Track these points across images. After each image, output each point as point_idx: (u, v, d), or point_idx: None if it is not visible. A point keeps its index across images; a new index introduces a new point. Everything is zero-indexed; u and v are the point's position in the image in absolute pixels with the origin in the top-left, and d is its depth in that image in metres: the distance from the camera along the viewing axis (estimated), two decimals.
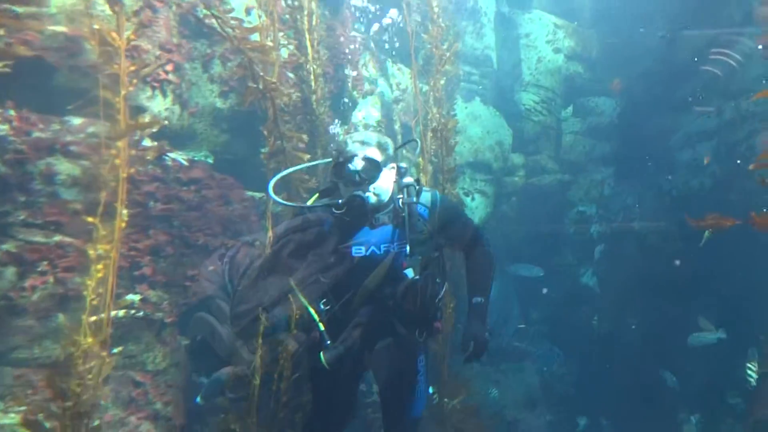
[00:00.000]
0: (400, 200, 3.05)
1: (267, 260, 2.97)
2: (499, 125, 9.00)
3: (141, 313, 4.39)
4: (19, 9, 3.90)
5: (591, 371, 8.48)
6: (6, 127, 3.94)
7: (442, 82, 6.03)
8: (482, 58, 8.88)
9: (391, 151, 3.09)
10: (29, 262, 3.79)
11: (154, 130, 4.42)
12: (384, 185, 3.02)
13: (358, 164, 2.92)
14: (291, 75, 5.37)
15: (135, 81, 3.49)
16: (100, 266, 3.18)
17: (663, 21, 8.77)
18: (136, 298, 4.47)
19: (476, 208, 8.30)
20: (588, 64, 9.81)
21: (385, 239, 3.01)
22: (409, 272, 2.95)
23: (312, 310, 2.93)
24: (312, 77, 5.26)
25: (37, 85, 4.24)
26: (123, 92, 3.43)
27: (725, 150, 8.66)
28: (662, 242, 8.77)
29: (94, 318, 3.14)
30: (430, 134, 5.83)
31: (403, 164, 3.21)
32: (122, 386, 4.32)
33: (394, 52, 7.25)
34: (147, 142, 4.80)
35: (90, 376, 3.07)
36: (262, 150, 4.83)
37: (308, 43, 5.19)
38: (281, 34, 5.03)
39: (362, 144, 3.00)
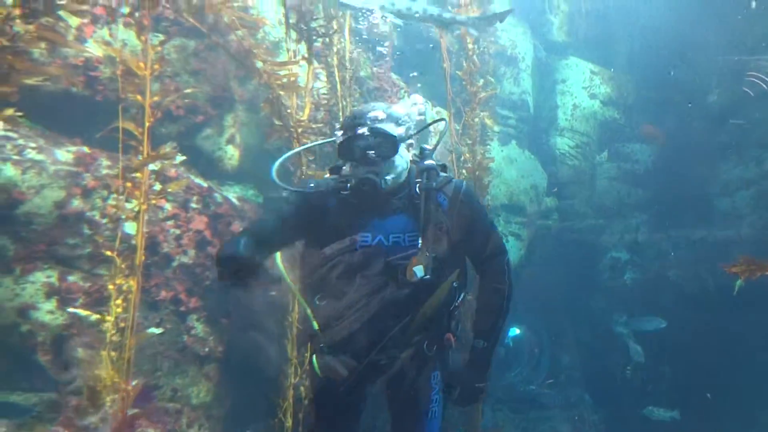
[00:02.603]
0: (418, 185, 2.69)
1: (315, 283, 2.65)
2: (534, 169, 9.23)
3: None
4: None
5: (623, 420, 8.46)
6: (78, 163, 4.28)
7: (476, 120, 6.27)
8: (519, 102, 9.18)
9: (412, 126, 2.74)
10: (93, 293, 4.07)
11: (176, 161, 4.61)
12: (400, 165, 2.66)
13: (369, 140, 2.55)
14: (321, 114, 5.48)
15: (159, 113, 3.61)
16: (119, 301, 3.26)
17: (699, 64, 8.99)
18: (158, 331, 4.62)
19: (510, 250, 8.43)
20: (624, 109, 10.04)
21: (395, 228, 2.64)
22: (419, 270, 2.56)
23: (306, 306, 2.63)
24: (341, 114, 5.18)
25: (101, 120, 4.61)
26: (147, 123, 3.41)
27: (765, 199, 8.77)
28: (699, 292, 8.80)
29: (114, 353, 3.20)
30: (464, 173, 6.02)
31: (427, 145, 2.87)
32: (168, 418, 4.54)
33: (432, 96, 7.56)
34: (199, 180, 5.14)
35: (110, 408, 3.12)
36: None
37: (337, 80, 5.14)
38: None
39: (376, 117, 2.62)
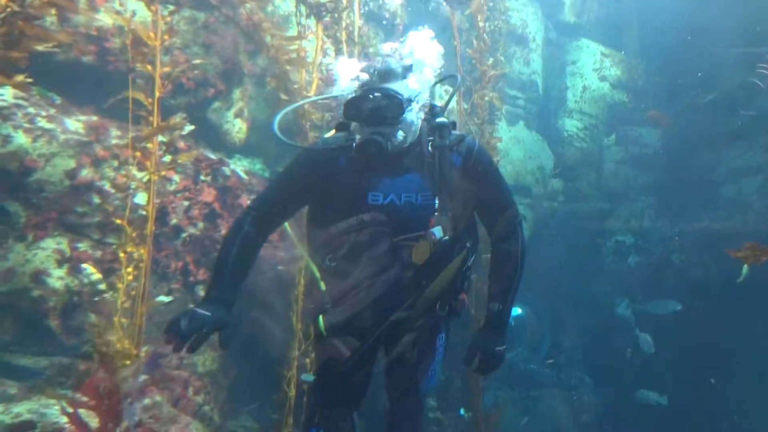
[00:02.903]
0: (430, 143, 2.62)
1: (324, 244, 2.61)
2: (541, 150, 9.24)
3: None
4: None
5: (622, 402, 8.58)
6: (87, 132, 4.33)
7: (486, 99, 6.27)
8: (528, 83, 9.16)
9: (423, 83, 2.63)
10: (104, 261, 4.15)
11: (184, 132, 4.64)
12: (408, 125, 2.56)
13: (376, 101, 2.45)
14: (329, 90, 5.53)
15: (167, 83, 3.63)
16: (130, 269, 3.29)
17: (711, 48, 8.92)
18: (167, 299, 4.69)
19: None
20: (633, 93, 10.01)
21: (407, 187, 2.57)
22: (437, 231, 2.51)
23: (314, 268, 2.61)
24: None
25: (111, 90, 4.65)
26: (157, 94, 3.42)
27: None
28: (702, 278, 8.86)
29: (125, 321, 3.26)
30: None
31: (438, 103, 2.79)
32: (175, 385, 4.64)
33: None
34: (208, 153, 5.20)
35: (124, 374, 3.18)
36: None
37: (345, 55, 5.06)
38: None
39: (384, 73, 2.53)
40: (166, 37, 3.23)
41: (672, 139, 9.62)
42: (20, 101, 3.96)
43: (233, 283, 2.58)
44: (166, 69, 3.24)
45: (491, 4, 6.62)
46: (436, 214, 2.53)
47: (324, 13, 4.77)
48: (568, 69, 9.74)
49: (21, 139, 3.91)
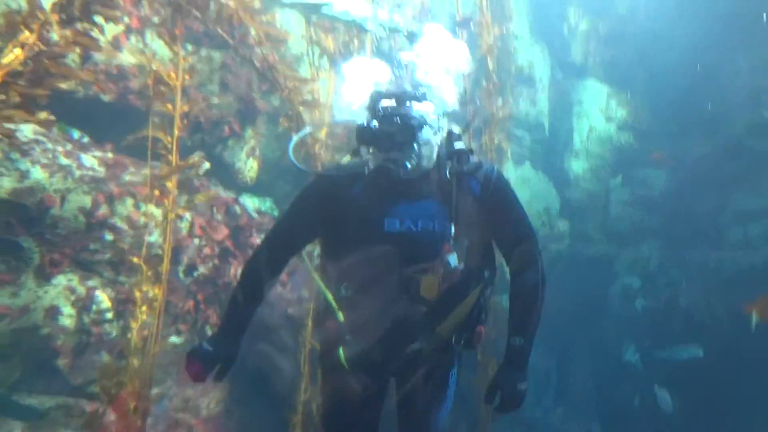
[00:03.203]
0: (448, 169, 2.56)
1: (339, 273, 2.57)
2: (547, 191, 9.29)
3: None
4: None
5: None
6: (103, 169, 4.37)
7: (495, 140, 6.35)
8: (535, 123, 9.27)
9: (441, 106, 2.59)
10: (115, 300, 4.13)
11: (201, 173, 4.69)
12: (424, 150, 2.49)
13: (389, 126, 2.40)
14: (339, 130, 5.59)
15: (186, 122, 3.69)
16: (144, 308, 3.31)
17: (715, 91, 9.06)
18: (179, 340, 4.70)
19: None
20: (640, 134, 10.10)
21: (424, 214, 2.50)
22: (453, 259, 2.44)
23: (330, 298, 2.55)
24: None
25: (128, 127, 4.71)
26: (177, 133, 3.47)
27: None
28: (710, 321, 8.81)
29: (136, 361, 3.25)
30: None
31: (456, 129, 2.73)
32: (180, 430, 4.57)
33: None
34: (219, 189, 5.23)
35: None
36: None
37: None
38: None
39: (398, 97, 2.48)
40: (186, 76, 3.29)
41: (678, 180, 9.68)
42: (39, 137, 4.01)
43: (244, 317, 2.61)
44: (185, 108, 3.28)
45: (500, 44, 6.75)
46: (452, 241, 2.47)
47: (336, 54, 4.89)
48: (574, 110, 9.86)
49: (38, 174, 3.94)
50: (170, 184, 3.26)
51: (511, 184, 2.71)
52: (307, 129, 3.39)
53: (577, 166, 9.72)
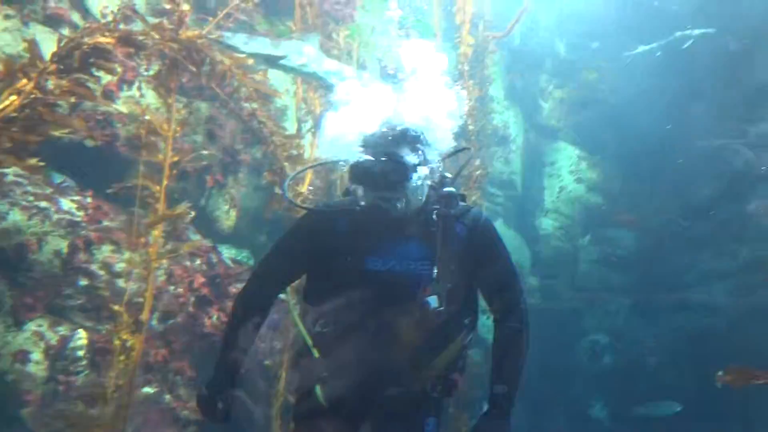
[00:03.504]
0: (435, 212, 2.55)
1: (318, 310, 2.55)
2: (519, 247, 9.49)
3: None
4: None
5: None
6: (82, 213, 4.37)
7: (471, 197, 6.51)
8: (508, 182, 9.54)
9: (432, 150, 2.57)
10: (88, 347, 4.06)
11: (186, 221, 4.70)
12: (415, 191, 2.49)
13: (382, 166, 2.41)
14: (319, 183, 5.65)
15: (175, 172, 3.77)
16: (122, 357, 3.27)
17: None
18: (152, 390, 4.61)
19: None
20: (608, 196, 10.42)
21: (408, 255, 2.49)
22: (432, 300, 2.42)
23: (305, 333, 2.53)
24: (339, 185, 5.23)
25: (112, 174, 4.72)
26: (165, 182, 3.54)
27: (741, 292, 9.11)
28: (676, 380, 8.97)
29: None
30: None
31: (448, 174, 2.71)
32: None
33: None
34: (196, 236, 5.24)
35: None
36: None
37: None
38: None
39: (391, 139, 2.47)
40: (177, 128, 3.36)
41: (646, 241, 9.97)
42: (20, 179, 4.01)
43: (237, 356, 2.59)
44: (175, 159, 3.35)
45: (479, 105, 7.02)
46: (433, 283, 2.43)
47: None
48: (546, 170, 10.18)
49: (16, 216, 3.92)
50: (156, 233, 3.29)
51: (497, 231, 2.72)
52: (303, 167, 3.36)
53: (548, 224, 9.97)
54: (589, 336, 9.98)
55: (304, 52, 5.04)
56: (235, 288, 5.07)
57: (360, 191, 2.52)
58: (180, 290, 4.52)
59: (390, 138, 2.47)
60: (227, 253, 5.60)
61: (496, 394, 2.50)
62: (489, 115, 8.04)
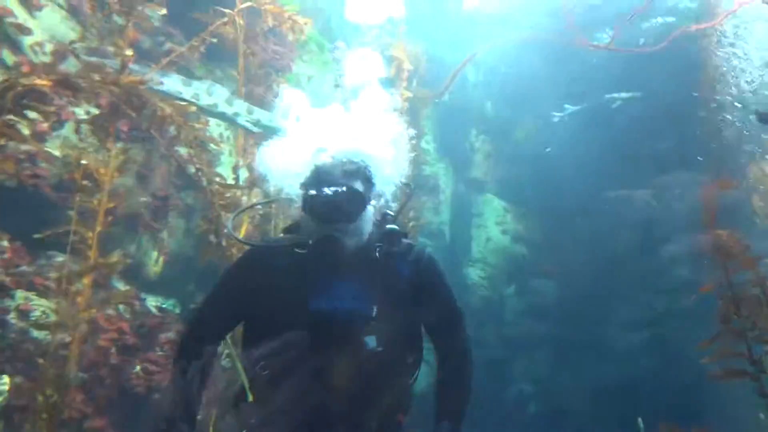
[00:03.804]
0: (378, 250, 2.48)
1: (257, 352, 2.42)
2: None
3: None
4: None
5: None
6: None
7: None
8: (437, 232, 9.78)
9: (376, 187, 2.53)
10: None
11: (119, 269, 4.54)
12: (364, 227, 2.46)
13: (336, 197, 2.35)
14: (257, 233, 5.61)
15: (111, 218, 3.67)
16: (45, 415, 3.04)
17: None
18: None
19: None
20: (532, 247, 10.84)
21: (350, 294, 2.41)
22: (371, 341, 2.36)
23: (244, 377, 2.42)
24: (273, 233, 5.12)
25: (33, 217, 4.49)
26: (98, 228, 3.42)
27: (657, 343, 9.62)
28: (600, 427, 9.23)
29: None
30: None
31: (390, 211, 2.65)
32: None
33: None
34: (120, 284, 5.04)
35: None
36: None
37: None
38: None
39: (343, 171, 2.42)
40: (115, 173, 3.28)
41: (567, 292, 10.38)
42: None
43: (190, 407, 2.40)
44: (111, 205, 3.25)
45: (412, 157, 7.21)
46: (373, 323, 2.38)
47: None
48: (474, 221, 10.52)
49: None
50: (86, 281, 3.15)
51: (442, 269, 2.65)
52: (249, 204, 3.23)
53: (475, 274, 10.24)
54: (515, 385, 10.18)
55: (214, 92, 5.10)
56: (165, 337, 4.92)
57: (311, 224, 2.44)
58: (103, 342, 4.31)
59: (344, 169, 2.42)
60: (153, 301, 5.41)
61: (441, 430, 2.43)
62: (421, 166, 8.29)
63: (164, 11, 3.73)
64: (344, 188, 2.37)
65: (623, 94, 9.67)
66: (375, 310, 2.40)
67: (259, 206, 3.91)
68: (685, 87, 8.72)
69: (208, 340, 2.54)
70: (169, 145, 3.83)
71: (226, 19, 4.16)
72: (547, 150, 9.90)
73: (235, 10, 4.20)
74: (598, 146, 9.71)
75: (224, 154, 5.91)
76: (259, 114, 5.23)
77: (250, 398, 2.39)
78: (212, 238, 4.41)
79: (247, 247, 2.86)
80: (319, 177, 2.42)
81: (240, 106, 5.18)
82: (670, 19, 9.71)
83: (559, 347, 10.24)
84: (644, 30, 9.63)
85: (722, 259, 3.37)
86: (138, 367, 4.67)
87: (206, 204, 4.54)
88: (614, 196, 9.90)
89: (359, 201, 2.41)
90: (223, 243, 4.30)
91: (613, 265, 9.90)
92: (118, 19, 3.33)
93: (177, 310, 5.65)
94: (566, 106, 9.97)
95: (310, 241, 2.40)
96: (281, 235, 2.70)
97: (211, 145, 5.86)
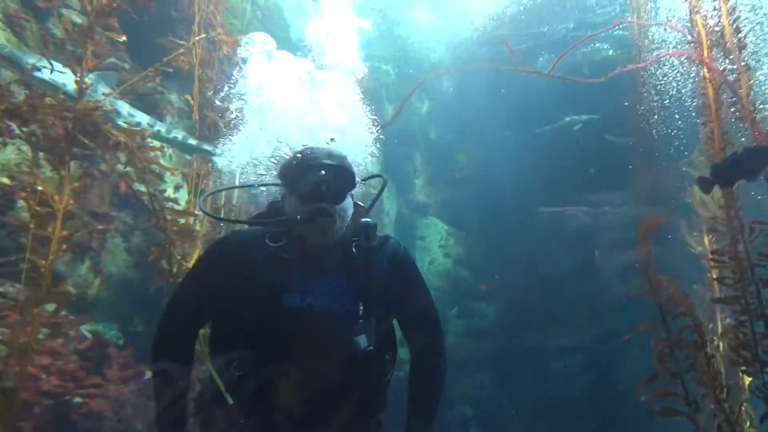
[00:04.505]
0: (355, 244, 2.40)
1: (230, 351, 2.32)
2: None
3: None
4: None
5: None
6: None
7: None
8: None
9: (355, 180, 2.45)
10: None
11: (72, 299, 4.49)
12: (347, 213, 2.38)
13: (328, 174, 2.29)
14: None
15: (65, 246, 3.65)
16: None
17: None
18: None
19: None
20: (473, 269, 11.15)
21: (329, 290, 2.33)
22: (362, 340, 2.28)
23: (217, 378, 2.29)
24: None
25: None
26: (51, 257, 3.39)
27: (592, 364, 10.10)
28: None
29: None
30: None
31: (361, 203, 2.58)
32: None
33: None
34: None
35: None
36: None
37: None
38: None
39: (329, 154, 2.38)
40: (71, 201, 3.25)
41: (507, 314, 10.74)
42: None
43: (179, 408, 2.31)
44: (65, 233, 3.22)
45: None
46: (361, 321, 2.29)
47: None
48: (417, 243, 10.73)
49: None
50: (36, 311, 3.10)
51: (415, 263, 2.61)
52: (224, 187, 3.04)
53: None
54: (456, 407, 10.40)
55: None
56: (107, 368, 4.85)
57: (295, 206, 2.34)
58: (45, 374, 4.21)
59: (330, 152, 2.40)
60: (93, 327, 5.31)
61: (413, 429, 2.40)
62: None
63: (124, 38, 3.73)
64: (337, 166, 2.33)
65: (584, 117, 10.25)
66: (361, 307, 2.32)
67: (236, 189, 3.77)
68: (617, 112, 9.36)
69: (182, 337, 2.39)
70: (121, 174, 3.81)
71: (182, 51, 4.21)
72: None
73: (191, 42, 4.27)
74: (534, 168, 10.23)
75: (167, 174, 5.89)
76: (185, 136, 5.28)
77: (230, 400, 2.25)
78: (164, 264, 4.40)
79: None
80: (308, 157, 2.37)
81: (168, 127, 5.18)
82: (605, 46, 10.44)
83: (499, 369, 10.55)
84: (583, 54, 10.29)
85: (659, 302, 3.44)
86: (79, 399, 4.58)
87: (158, 229, 4.53)
88: (550, 213, 10.44)
89: (350, 179, 2.35)
90: (174, 270, 4.33)
91: (551, 285, 10.31)
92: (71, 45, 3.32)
93: (120, 342, 5.53)
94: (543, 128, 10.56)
95: (299, 217, 2.28)
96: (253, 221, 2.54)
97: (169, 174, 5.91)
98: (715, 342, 5.19)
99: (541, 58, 10.27)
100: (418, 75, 10.45)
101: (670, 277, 3.41)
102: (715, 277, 4.35)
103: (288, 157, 2.45)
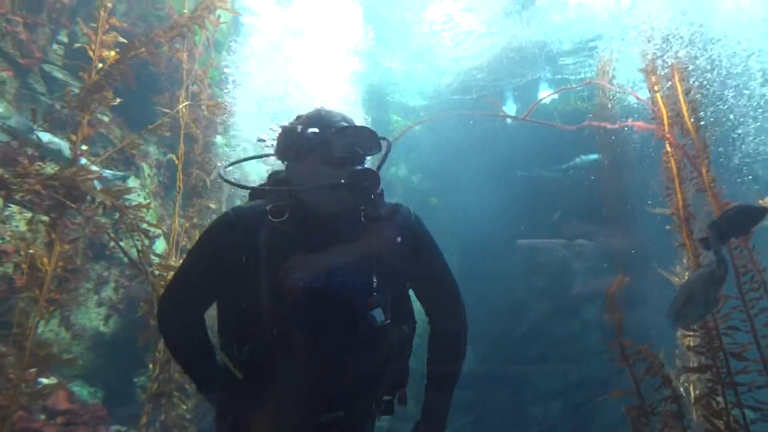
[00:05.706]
0: (363, 212, 2.29)
1: (240, 333, 2.25)
2: None
3: None
4: None
5: None
6: None
7: None
8: None
9: None
10: None
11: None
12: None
13: (358, 134, 2.21)
14: None
15: (51, 308, 3.78)
16: None
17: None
18: None
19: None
20: None
21: (341, 263, 2.23)
22: (378, 314, 2.25)
23: (227, 360, 2.25)
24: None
25: None
26: (38, 319, 3.45)
27: (571, 409, 10.29)
28: None
29: None
30: None
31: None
32: None
33: None
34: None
35: None
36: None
37: None
38: None
39: (345, 117, 2.32)
40: (61, 264, 3.37)
41: (486, 359, 10.88)
42: None
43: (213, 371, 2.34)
44: (52, 295, 3.33)
45: None
46: (375, 294, 2.21)
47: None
48: None
49: None
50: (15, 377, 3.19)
51: (428, 229, 2.49)
52: (243, 158, 2.66)
53: None
54: None
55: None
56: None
57: (314, 171, 2.22)
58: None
59: (344, 114, 2.32)
60: (58, 377, 5.30)
61: (433, 402, 2.42)
62: None
63: (119, 100, 3.91)
64: (363, 127, 2.24)
65: (591, 156, 10.64)
66: (375, 279, 2.23)
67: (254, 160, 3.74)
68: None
69: (187, 317, 2.35)
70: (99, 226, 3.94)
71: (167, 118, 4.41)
72: None
73: (178, 108, 4.50)
74: (507, 209, 10.60)
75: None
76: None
77: (239, 375, 2.23)
78: (152, 321, 4.46)
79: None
80: (333, 120, 2.27)
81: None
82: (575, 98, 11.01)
83: (480, 414, 10.59)
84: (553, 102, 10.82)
85: (632, 374, 3.51)
86: None
87: (129, 276, 4.61)
88: (526, 245, 10.75)
89: (376, 140, 2.26)
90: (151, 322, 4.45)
91: (529, 331, 10.52)
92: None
93: (97, 398, 5.57)
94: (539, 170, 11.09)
95: (342, 180, 2.16)
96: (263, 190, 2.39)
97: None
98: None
99: (505, 106, 10.83)
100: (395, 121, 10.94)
101: (647, 346, 3.46)
102: (688, 345, 4.41)
103: (292, 125, 2.31)
